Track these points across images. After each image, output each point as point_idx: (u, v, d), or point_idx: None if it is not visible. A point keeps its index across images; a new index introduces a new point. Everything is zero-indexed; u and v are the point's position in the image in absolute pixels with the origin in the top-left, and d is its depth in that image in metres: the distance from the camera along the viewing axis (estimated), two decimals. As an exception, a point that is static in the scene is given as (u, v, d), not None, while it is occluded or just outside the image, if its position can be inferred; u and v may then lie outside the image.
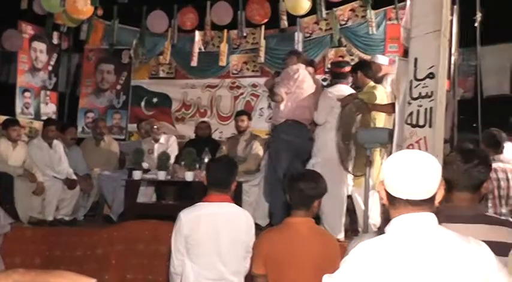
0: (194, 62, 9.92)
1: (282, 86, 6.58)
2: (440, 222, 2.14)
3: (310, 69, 7.10)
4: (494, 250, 2.18)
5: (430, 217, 2.13)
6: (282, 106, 6.59)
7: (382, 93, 6.33)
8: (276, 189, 6.12)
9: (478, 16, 6.89)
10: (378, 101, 6.22)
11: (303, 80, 6.68)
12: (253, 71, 9.89)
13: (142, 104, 10.42)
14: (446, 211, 2.72)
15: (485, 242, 2.20)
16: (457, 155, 2.86)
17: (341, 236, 6.21)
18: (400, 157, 2.16)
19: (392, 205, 2.16)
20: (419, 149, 4.28)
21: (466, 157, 2.84)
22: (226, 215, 3.99)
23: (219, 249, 3.93)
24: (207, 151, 7.26)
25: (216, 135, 9.36)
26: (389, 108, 5.97)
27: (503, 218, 2.85)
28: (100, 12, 9.63)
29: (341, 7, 9.20)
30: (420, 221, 2.11)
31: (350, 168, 6.09)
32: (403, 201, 2.12)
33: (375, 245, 2.10)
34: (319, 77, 8.82)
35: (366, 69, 6.56)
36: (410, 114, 4.53)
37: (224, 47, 9.80)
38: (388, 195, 2.16)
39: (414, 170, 2.10)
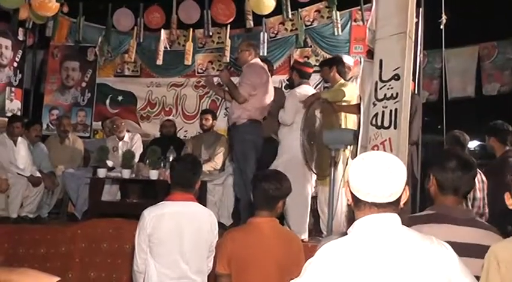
0: (160, 61, 9.90)
1: (247, 87, 6.37)
2: (432, 221, 2.17)
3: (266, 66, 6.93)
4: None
5: (394, 218, 2.14)
6: (245, 105, 6.39)
7: (352, 91, 6.31)
8: (245, 190, 6.07)
9: (443, 18, 6.98)
10: (347, 99, 6.25)
11: (268, 80, 6.60)
12: (218, 70, 9.84)
13: (107, 101, 10.35)
14: (439, 211, 2.82)
15: (477, 245, 2.26)
16: (456, 162, 2.91)
17: (305, 236, 6.25)
18: (365, 159, 2.17)
19: (357, 207, 2.17)
20: (384, 150, 4.34)
21: (466, 166, 2.92)
22: (189, 214, 4.01)
23: (181, 248, 3.94)
24: (172, 150, 7.24)
25: (181, 134, 9.33)
26: (354, 109, 6.02)
27: (487, 223, 2.95)
28: (65, 9, 9.56)
29: (306, 8, 9.25)
30: (384, 221, 2.12)
31: (314, 169, 6.13)
32: (368, 203, 2.14)
33: (339, 247, 2.10)
34: (283, 77, 8.90)
35: (339, 66, 6.57)
36: (375, 115, 4.58)
37: (190, 46, 9.79)
38: (353, 196, 2.17)
39: (379, 172, 2.11)
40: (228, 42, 9.49)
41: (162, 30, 9.81)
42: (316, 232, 6.62)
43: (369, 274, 2.03)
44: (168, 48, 9.98)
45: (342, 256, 2.06)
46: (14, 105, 10.24)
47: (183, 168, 4.09)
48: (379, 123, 4.55)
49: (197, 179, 4.12)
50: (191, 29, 9.71)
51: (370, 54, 5.28)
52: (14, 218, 7.29)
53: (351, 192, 2.18)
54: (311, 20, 9.28)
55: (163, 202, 4.04)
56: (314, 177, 6.43)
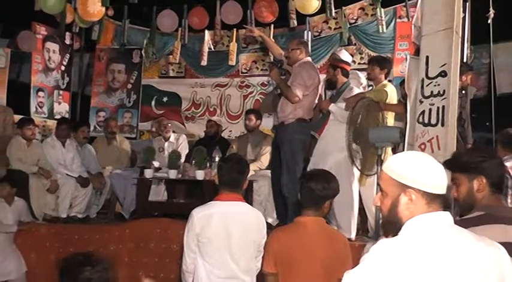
0: (204, 61, 9.97)
1: (300, 87, 6.27)
2: (484, 222, 2.13)
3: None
4: None
5: (448, 216, 2.12)
6: (296, 104, 6.30)
7: (393, 92, 6.28)
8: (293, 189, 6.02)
9: (491, 13, 6.86)
10: (388, 101, 6.20)
11: (319, 80, 6.54)
12: (262, 70, 9.89)
13: (153, 103, 10.48)
14: (489, 211, 2.77)
15: None
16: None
17: (352, 235, 6.20)
18: (420, 156, 2.21)
19: (419, 203, 2.14)
20: (432, 148, 4.29)
21: None
22: (237, 214, 4.00)
23: (230, 248, 3.94)
24: (218, 150, 7.27)
25: (225, 134, 9.36)
26: (400, 108, 5.96)
27: None
28: (111, 12, 9.69)
29: (350, 6, 9.21)
30: (438, 220, 2.10)
31: (361, 168, 6.09)
32: (437, 196, 2.13)
33: (395, 245, 2.06)
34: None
35: (384, 66, 6.49)
36: (422, 113, 4.53)
37: (233, 46, 9.83)
38: (418, 194, 2.14)
39: (439, 165, 2.16)
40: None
41: (206, 31, 9.87)
42: (363, 231, 6.57)
43: (425, 274, 2.00)
44: (212, 49, 10.03)
45: (397, 254, 2.03)
46: (62, 108, 10.46)
47: (231, 169, 4.07)
48: (426, 121, 4.51)
49: (244, 179, 4.10)
50: (235, 30, 9.74)
51: (415, 51, 5.22)
52: (63, 217, 7.46)
53: (414, 188, 2.13)
54: (355, 17, 9.23)
55: (211, 202, 4.04)
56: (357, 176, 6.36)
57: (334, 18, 9.23)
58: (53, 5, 8.49)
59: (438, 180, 2.14)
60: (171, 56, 10.28)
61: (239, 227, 3.97)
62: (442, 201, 2.14)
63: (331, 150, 6.33)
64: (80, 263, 2.77)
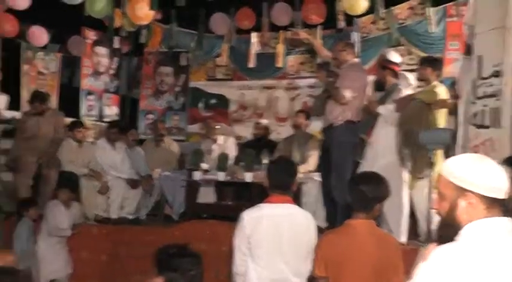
0: (251, 64, 9.99)
1: (348, 89, 6.20)
2: None
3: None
4: None
5: (508, 222, 2.07)
6: (344, 106, 6.25)
7: (444, 93, 6.17)
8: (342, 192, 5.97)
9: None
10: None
11: (367, 81, 6.50)
12: (309, 72, 9.85)
13: (200, 105, 10.53)
14: None
15: None
16: None
17: (403, 239, 6.12)
18: (479, 158, 2.14)
19: (478, 207, 2.09)
20: (486, 150, 4.19)
21: None
22: (287, 216, 3.98)
23: (281, 250, 3.92)
24: (266, 152, 7.27)
25: (273, 136, 9.32)
26: (450, 104, 5.86)
27: None
28: (158, 16, 9.77)
29: (399, 5, 9.07)
30: (498, 226, 2.05)
31: (411, 170, 6.01)
32: (496, 201, 2.08)
33: (454, 251, 2.02)
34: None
35: (437, 66, 6.40)
36: (475, 114, 4.43)
37: (280, 48, 9.82)
38: (480, 197, 2.08)
39: (500, 168, 2.09)
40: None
41: (253, 33, 9.88)
42: (414, 235, 6.47)
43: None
44: (259, 51, 10.04)
45: (457, 261, 1.98)
46: (111, 111, 10.64)
47: (280, 171, 4.08)
48: (479, 123, 4.41)
49: (294, 181, 4.09)
50: (281, 31, 9.73)
51: (467, 50, 5.13)
52: (114, 218, 7.57)
53: (473, 192, 2.09)
54: (404, 17, 9.10)
55: (261, 204, 4.03)
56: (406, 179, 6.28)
57: (382, 19, 9.12)
58: (100, 9, 8.62)
59: (498, 184, 2.08)
60: (218, 59, 10.35)
61: (289, 229, 3.94)
62: (502, 206, 2.09)
63: (381, 152, 6.27)
64: (180, 254, 2.86)
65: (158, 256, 2.89)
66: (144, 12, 8.71)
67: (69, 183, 6.90)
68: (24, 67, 9.47)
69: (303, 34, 7.14)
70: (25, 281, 3.00)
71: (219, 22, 9.74)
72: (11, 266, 3.28)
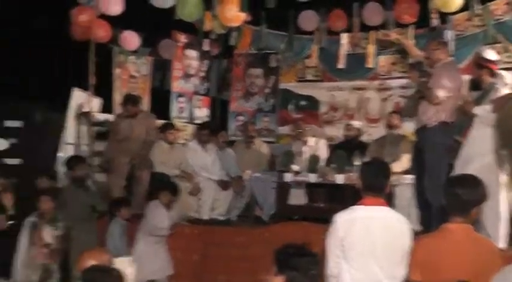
0: (341, 64, 9.89)
1: (442, 89, 6.06)
2: None
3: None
4: None
5: None
6: (438, 107, 6.11)
7: None
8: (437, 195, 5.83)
9: None
10: None
11: (462, 81, 6.31)
12: (401, 72, 9.65)
13: (290, 107, 10.52)
14: None
15: None
16: None
17: (502, 244, 5.89)
18: None
19: None
20: None
21: None
22: (381, 219, 3.92)
23: (374, 253, 3.85)
24: (357, 154, 7.18)
25: (364, 138, 9.20)
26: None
27: None
28: (248, 18, 9.83)
29: (496, 1, 8.75)
30: None
31: (510, 172, 5.81)
32: None
33: None
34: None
35: None
36: None
37: (371, 49, 9.69)
38: None
39: None
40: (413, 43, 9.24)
41: (343, 34, 9.81)
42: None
43: None
44: (350, 52, 9.94)
45: None
46: (201, 113, 10.79)
47: (373, 172, 4.03)
48: None
49: (387, 182, 4.02)
50: (372, 32, 9.60)
51: None
52: (205, 219, 7.68)
53: None
54: (501, 13, 8.77)
55: (354, 206, 3.98)
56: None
57: (478, 16, 8.82)
58: (191, 12, 8.76)
59: None
60: (308, 60, 10.31)
61: (383, 232, 3.87)
62: None
63: (477, 154, 6.05)
64: (299, 253, 2.92)
65: (277, 256, 2.94)
66: (233, 14, 8.80)
67: (170, 187, 7.02)
68: (117, 71, 9.71)
69: (393, 35, 7.02)
70: (119, 280, 3.05)
71: (308, 19, 9.71)
72: (105, 265, 3.35)
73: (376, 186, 3.97)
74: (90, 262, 3.42)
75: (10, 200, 6.67)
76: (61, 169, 7.83)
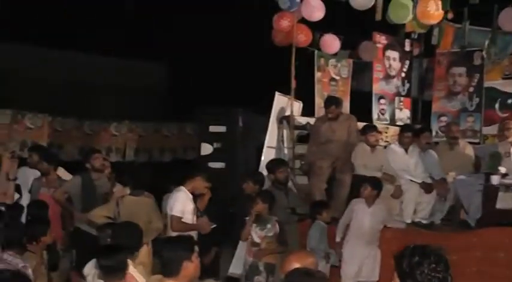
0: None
1: None
2: None
3: None
4: None
5: None
6: None
7: None
8: None
9: None
10: None
11: None
12: None
13: (496, 105, 10.04)
14: None
15: None
16: None
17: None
18: None
19: None
20: None
21: None
22: None
23: None
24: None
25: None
26: None
27: None
28: (450, 15, 9.55)
29: None
30: None
31: None
32: None
33: None
34: None
35: None
36: None
37: None
38: None
39: None
40: None
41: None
42: None
43: None
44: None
45: None
46: (403, 114, 10.70)
47: None
48: None
49: None
50: None
51: None
52: (407, 223, 7.57)
53: None
54: None
55: None
56: None
57: None
58: (403, 15, 8.71)
59: None
60: (513, 56, 9.82)
61: None
62: None
63: None
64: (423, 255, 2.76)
65: (397, 260, 2.83)
66: (434, 12, 8.60)
67: (371, 180, 7.09)
68: (317, 74, 9.91)
69: None
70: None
71: (509, 18, 9.21)
72: (310, 268, 3.32)
73: None
74: (295, 265, 3.47)
75: (204, 202, 6.98)
76: (263, 172, 8.10)
